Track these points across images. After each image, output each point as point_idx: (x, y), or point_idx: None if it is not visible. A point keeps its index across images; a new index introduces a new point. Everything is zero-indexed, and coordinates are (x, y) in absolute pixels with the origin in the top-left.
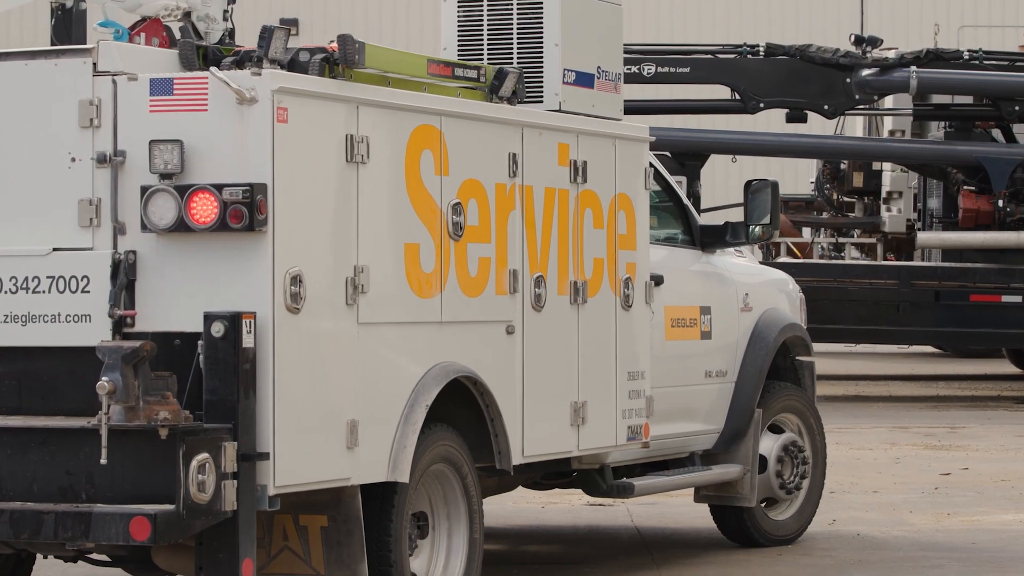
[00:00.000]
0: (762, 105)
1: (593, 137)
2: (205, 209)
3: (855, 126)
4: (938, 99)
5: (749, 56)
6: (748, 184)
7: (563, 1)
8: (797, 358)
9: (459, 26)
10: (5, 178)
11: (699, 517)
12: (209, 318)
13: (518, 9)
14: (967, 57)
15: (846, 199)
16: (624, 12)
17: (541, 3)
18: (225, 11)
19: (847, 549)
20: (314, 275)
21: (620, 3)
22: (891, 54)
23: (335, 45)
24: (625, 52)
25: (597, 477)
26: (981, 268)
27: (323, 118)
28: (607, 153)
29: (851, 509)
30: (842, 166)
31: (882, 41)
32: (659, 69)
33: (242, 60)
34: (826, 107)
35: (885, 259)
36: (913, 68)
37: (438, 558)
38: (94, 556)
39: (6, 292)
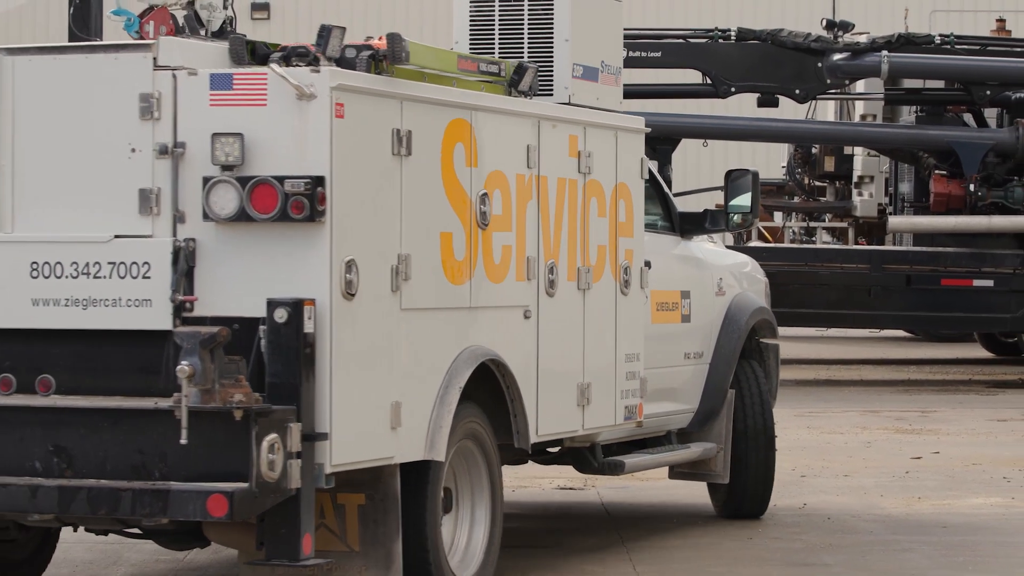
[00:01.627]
0: (733, 89)
1: (598, 129)
2: (267, 200)
3: (827, 110)
4: (910, 83)
5: (720, 40)
6: (729, 173)
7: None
8: (763, 340)
9: (471, 21)
10: (67, 167)
11: (668, 499)
12: (272, 304)
13: (529, 5)
14: (938, 42)
15: (817, 183)
16: None
17: (552, 5)
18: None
19: (818, 532)
20: (365, 263)
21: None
22: (862, 38)
23: (379, 42)
24: None
25: (588, 455)
26: (952, 252)
27: (374, 113)
28: (610, 144)
29: (822, 493)
30: (814, 150)
31: (854, 25)
32: (630, 53)
33: (289, 56)
34: (797, 91)
35: (856, 243)
36: (884, 53)
37: (461, 531)
38: (124, 529)
39: (67, 277)
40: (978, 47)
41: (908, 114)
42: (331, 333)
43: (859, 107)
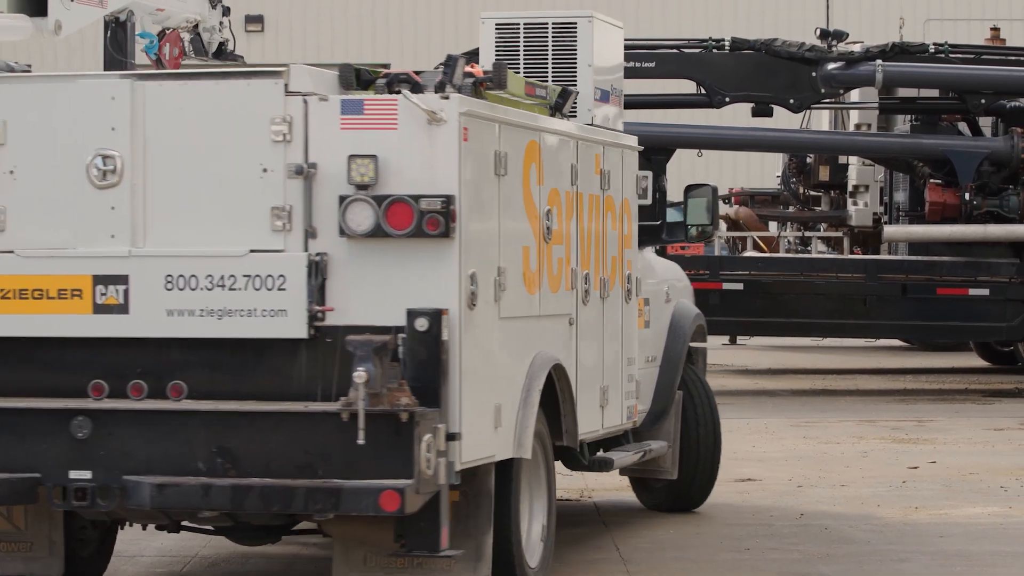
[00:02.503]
0: (728, 99)
1: (612, 148)
2: (402, 217)
3: (821, 120)
4: (904, 93)
5: (715, 50)
6: (688, 187)
7: (593, 25)
8: (692, 344)
9: (496, 46)
10: (197, 186)
11: (664, 514)
12: (413, 314)
13: (553, 32)
14: (933, 50)
15: (812, 193)
16: (591, 7)
17: (575, 27)
18: (220, 22)
19: (815, 543)
20: (481, 276)
21: (622, 27)
22: (857, 48)
23: (478, 68)
24: None
25: (578, 454)
26: (948, 261)
27: (486, 136)
28: (619, 162)
29: (819, 503)
30: (808, 160)
31: (848, 35)
32: (624, 63)
33: (391, 82)
34: (792, 101)
35: (852, 253)
36: (879, 62)
37: (524, 524)
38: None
39: (202, 289)
40: (972, 56)
41: (903, 123)
42: (460, 341)
43: (854, 116)
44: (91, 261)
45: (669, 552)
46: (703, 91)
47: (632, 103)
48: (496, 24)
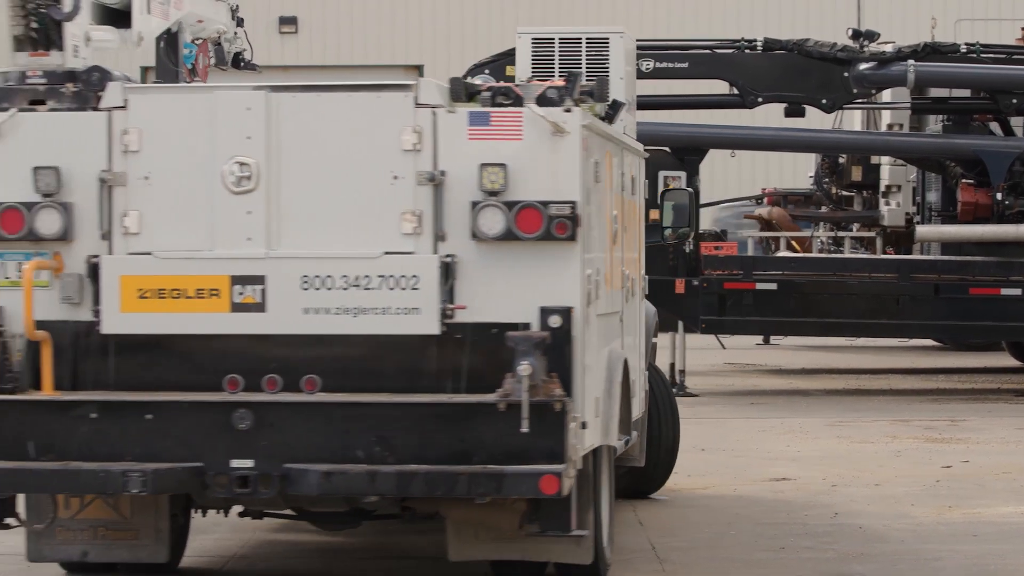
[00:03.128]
0: (760, 100)
1: (634, 155)
2: (532, 221)
3: (853, 120)
4: (936, 93)
5: (747, 51)
6: (664, 192)
7: (624, 40)
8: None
9: (533, 59)
10: (329, 192)
11: (700, 509)
12: (546, 312)
13: (587, 46)
14: (964, 50)
15: (845, 193)
16: (623, 7)
17: (608, 41)
18: (235, 32)
19: (850, 542)
20: (592, 276)
21: (635, 40)
22: (889, 48)
23: (558, 80)
24: None
25: None
26: (980, 261)
27: (595, 147)
28: (639, 168)
29: (853, 502)
30: (841, 160)
31: (879, 35)
32: (658, 64)
33: (494, 95)
34: (824, 101)
35: (884, 253)
36: (911, 62)
37: (605, 505)
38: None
39: (338, 288)
40: (1004, 56)
41: (935, 123)
42: (582, 336)
43: (886, 116)
44: (228, 263)
45: (704, 551)
46: (736, 91)
47: (665, 104)
48: (532, 39)
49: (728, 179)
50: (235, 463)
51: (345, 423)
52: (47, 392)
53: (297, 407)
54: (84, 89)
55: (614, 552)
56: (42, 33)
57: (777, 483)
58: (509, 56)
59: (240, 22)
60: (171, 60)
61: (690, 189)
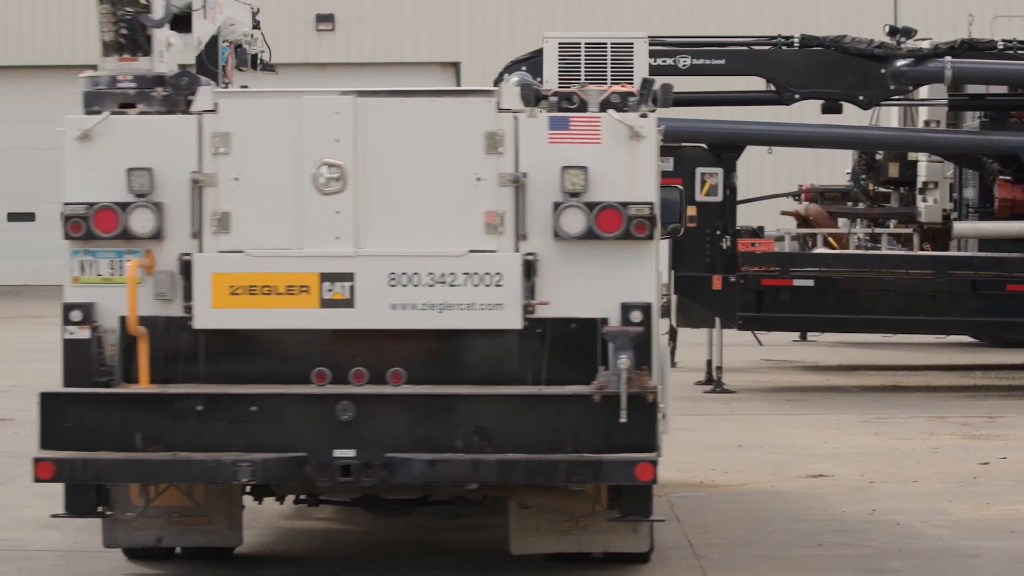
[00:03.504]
0: (797, 96)
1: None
2: (612, 221)
3: (890, 117)
4: (973, 89)
5: (784, 47)
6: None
7: (645, 44)
8: None
9: (559, 62)
10: (417, 193)
11: (737, 505)
12: (628, 307)
13: (612, 50)
14: (1001, 47)
15: (882, 190)
16: (660, 4)
17: (632, 45)
18: (252, 34)
19: (887, 538)
20: (660, 273)
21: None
22: (926, 44)
23: (629, 86)
24: (661, 44)
25: None
26: (1017, 257)
27: (659, 150)
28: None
29: (890, 499)
30: (878, 157)
31: (916, 32)
32: (694, 61)
33: (561, 99)
34: (861, 98)
35: (921, 249)
36: (948, 58)
37: None
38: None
39: (424, 285)
40: None
41: (972, 120)
42: (657, 331)
43: (923, 113)
44: (318, 260)
45: (742, 548)
46: (773, 88)
47: (702, 100)
48: (559, 43)
49: (764, 176)
50: (338, 453)
51: (445, 414)
52: (143, 385)
53: (398, 399)
54: (173, 93)
55: (654, 548)
56: (130, 39)
57: (814, 480)
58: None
59: (257, 24)
60: (212, 62)
61: (679, 187)
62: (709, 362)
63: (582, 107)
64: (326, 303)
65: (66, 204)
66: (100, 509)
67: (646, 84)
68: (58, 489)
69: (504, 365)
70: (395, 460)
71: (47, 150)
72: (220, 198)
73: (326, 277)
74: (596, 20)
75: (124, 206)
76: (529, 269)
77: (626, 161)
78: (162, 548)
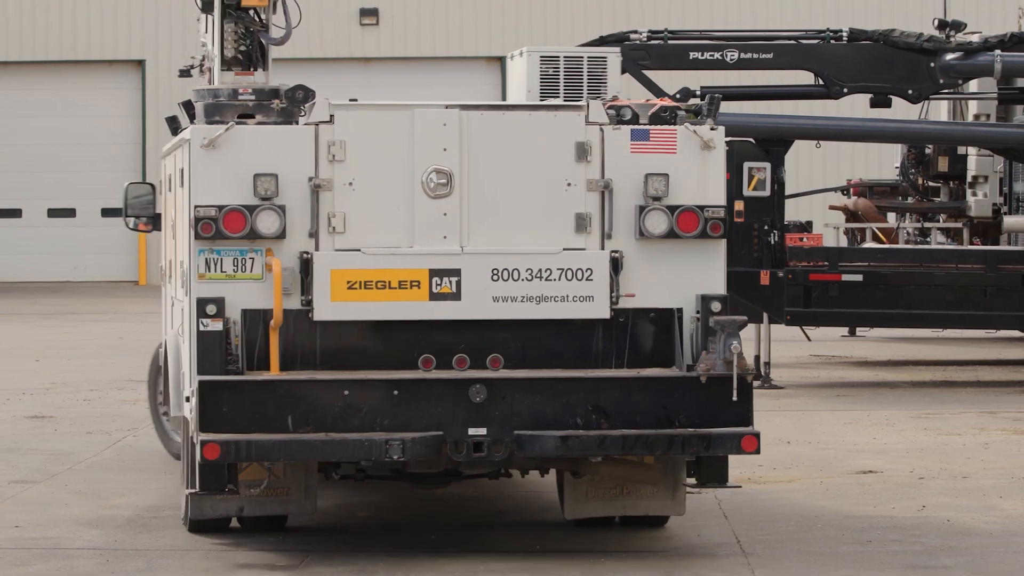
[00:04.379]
0: (846, 90)
1: None
2: (691, 223)
3: (939, 110)
4: (1023, 83)
5: (832, 41)
6: None
7: (618, 58)
8: None
9: (541, 75)
10: (515, 196)
11: (785, 502)
12: (708, 299)
13: (588, 64)
14: None
15: (931, 184)
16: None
17: (606, 60)
18: None
19: (937, 535)
20: None
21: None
22: (975, 38)
23: (670, 100)
24: (709, 39)
25: None
26: None
27: None
28: None
29: (941, 495)
30: (927, 151)
31: (966, 25)
32: (742, 55)
33: (656, 114)
34: (910, 92)
35: (971, 244)
36: (997, 52)
37: None
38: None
39: (523, 280)
40: None
41: (1021, 113)
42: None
43: (972, 107)
44: (428, 258)
45: (790, 544)
46: (821, 82)
47: (750, 95)
48: (540, 56)
49: (813, 170)
50: (472, 431)
51: (567, 395)
52: (274, 372)
53: (526, 382)
54: (289, 105)
55: (702, 544)
56: (247, 55)
57: (863, 476)
58: (592, 47)
59: None
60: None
61: None
62: (757, 358)
63: (634, 120)
64: (435, 296)
65: (197, 207)
66: (230, 487)
67: (713, 100)
68: (98, 487)
69: (591, 351)
70: (524, 437)
71: (83, 145)
72: (336, 201)
73: (435, 273)
74: (644, 15)
75: (251, 209)
76: (615, 265)
77: (700, 169)
78: (225, 518)
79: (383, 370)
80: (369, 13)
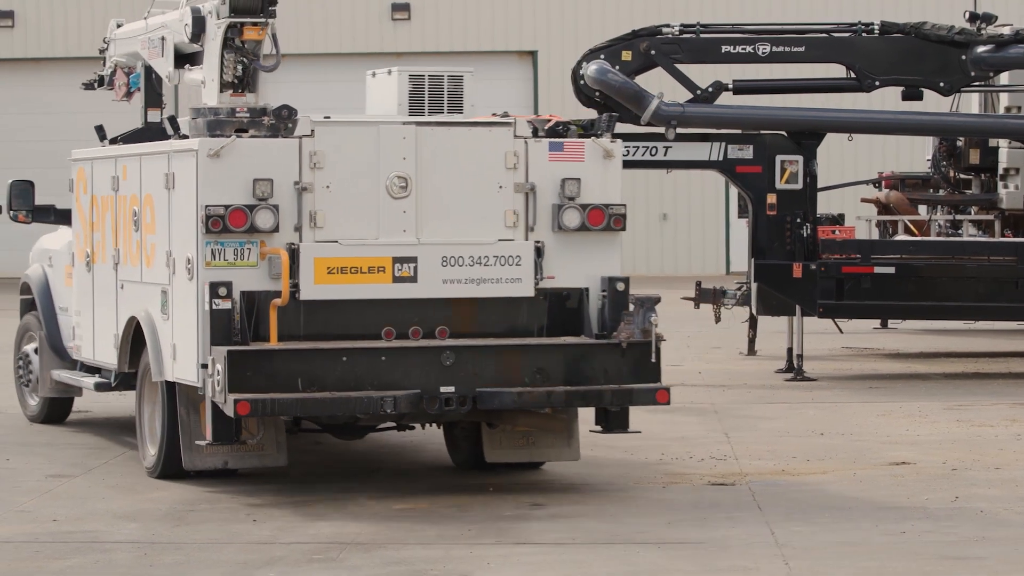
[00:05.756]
0: (878, 83)
1: None
2: (598, 218)
3: (971, 103)
4: None
5: (864, 34)
6: None
7: (474, 78)
8: None
9: (410, 92)
10: (459, 197)
11: (819, 493)
12: (614, 280)
13: (448, 82)
14: None
15: (963, 176)
16: None
17: (462, 78)
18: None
19: (971, 526)
20: None
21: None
22: (1006, 31)
23: (557, 116)
24: (741, 32)
25: None
26: None
27: None
28: None
29: (973, 486)
30: (958, 143)
31: (997, 18)
32: (774, 48)
33: (558, 127)
34: (942, 84)
35: (1003, 236)
36: None
37: None
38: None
39: (466, 265)
40: None
41: None
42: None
43: (1004, 99)
44: (391, 247)
45: (824, 536)
46: (853, 75)
47: (782, 88)
48: (409, 75)
49: (845, 163)
50: (443, 389)
51: (517, 359)
52: (273, 343)
53: (485, 349)
54: (277, 121)
55: (736, 536)
56: (241, 79)
57: (896, 467)
58: (624, 41)
59: None
60: (157, 86)
61: None
62: (790, 350)
63: (535, 134)
64: (397, 279)
65: (207, 206)
66: (243, 437)
67: (611, 119)
68: (135, 481)
69: (518, 323)
70: (484, 393)
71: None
72: (316, 201)
73: (397, 260)
74: (675, 8)
75: (251, 207)
76: (538, 253)
77: (603, 174)
78: (227, 470)
79: (354, 340)
80: (401, 8)
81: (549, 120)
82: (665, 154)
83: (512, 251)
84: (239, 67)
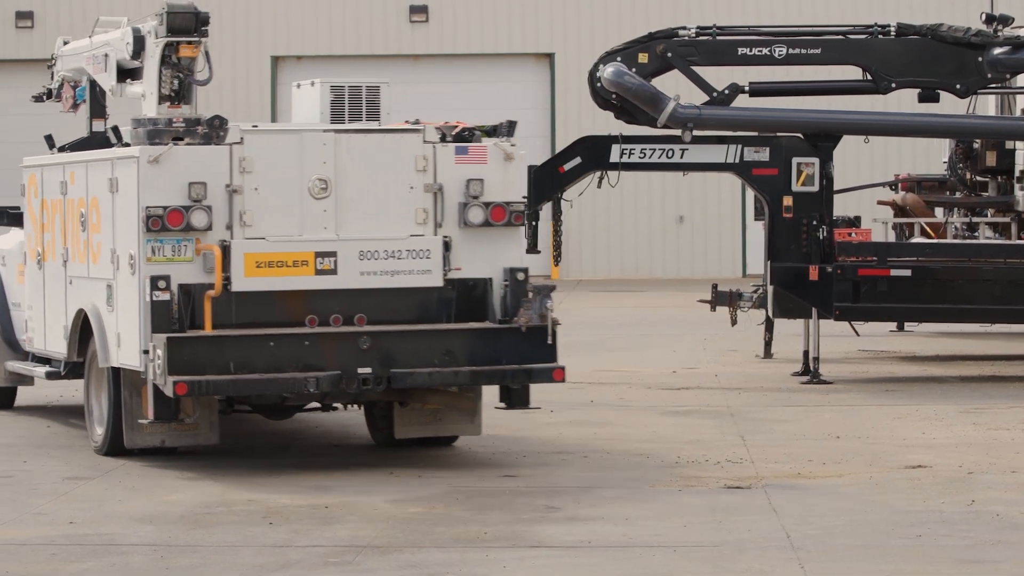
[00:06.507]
0: (894, 85)
1: None
2: (500, 214)
3: (987, 105)
4: None
5: (880, 36)
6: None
7: (391, 89)
8: None
9: (332, 103)
10: (375, 197)
11: (834, 497)
12: (515, 270)
13: (366, 93)
14: None
15: (979, 178)
16: None
17: (379, 88)
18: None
19: (986, 529)
20: None
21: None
22: (1023, 32)
23: (463, 123)
24: (757, 35)
25: None
26: None
27: None
28: None
29: (990, 489)
30: (975, 145)
31: (1013, 19)
32: (790, 51)
33: (461, 132)
34: (958, 86)
35: (1019, 238)
36: None
37: None
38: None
39: (381, 258)
40: None
41: None
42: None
43: (1020, 101)
44: (313, 243)
45: (839, 539)
46: (869, 77)
47: (798, 90)
48: (331, 86)
49: (861, 165)
50: (360, 370)
51: (426, 342)
52: (208, 330)
53: (398, 333)
54: (210, 130)
55: (751, 539)
56: (178, 93)
57: (912, 471)
58: (640, 44)
59: None
60: (101, 98)
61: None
62: (806, 353)
63: (443, 139)
64: (319, 272)
65: (148, 207)
66: (180, 417)
67: (511, 124)
68: (151, 484)
69: (430, 310)
70: (397, 373)
71: None
72: (245, 202)
73: (319, 254)
74: (691, 11)
75: (187, 208)
76: (446, 247)
77: (504, 175)
78: (165, 448)
79: (280, 327)
80: (419, 10)
81: (456, 126)
82: (681, 156)
83: (422, 245)
84: (175, 81)
